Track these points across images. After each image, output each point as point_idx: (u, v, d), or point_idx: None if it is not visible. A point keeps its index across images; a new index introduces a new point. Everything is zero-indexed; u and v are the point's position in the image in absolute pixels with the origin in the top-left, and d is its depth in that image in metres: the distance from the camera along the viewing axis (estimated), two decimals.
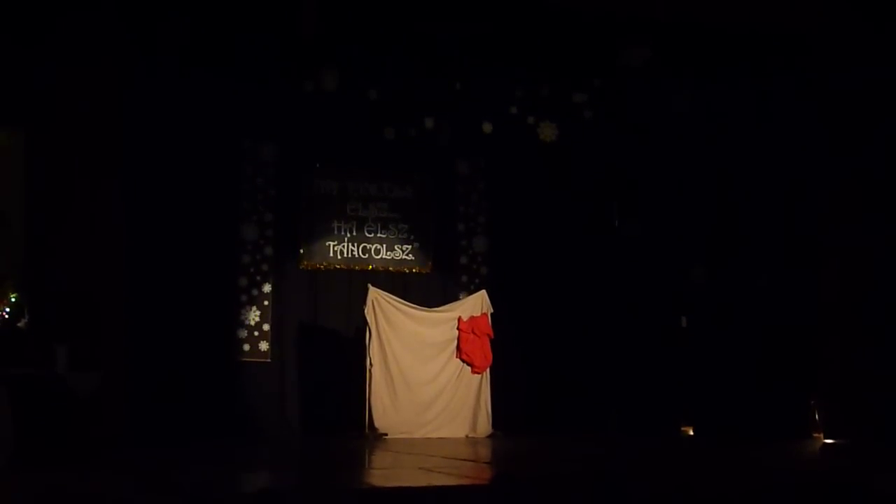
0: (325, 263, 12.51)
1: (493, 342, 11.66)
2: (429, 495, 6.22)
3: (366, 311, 11.24)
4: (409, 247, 12.82)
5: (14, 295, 9.01)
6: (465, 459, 8.63)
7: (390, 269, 12.72)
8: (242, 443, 10.57)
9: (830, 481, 6.71)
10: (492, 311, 11.75)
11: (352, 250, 12.63)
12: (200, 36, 10.36)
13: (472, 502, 6.13)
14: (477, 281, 12.88)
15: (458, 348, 11.54)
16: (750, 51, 10.80)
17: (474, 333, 11.55)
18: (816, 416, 10.56)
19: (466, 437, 11.39)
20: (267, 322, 12.12)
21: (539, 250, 12.95)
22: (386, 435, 10.99)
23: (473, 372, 11.59)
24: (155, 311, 10.99)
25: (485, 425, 11.55)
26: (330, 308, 12.45)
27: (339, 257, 12.57)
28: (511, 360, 12.16)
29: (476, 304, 11.77)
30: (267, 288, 12.19)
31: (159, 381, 10.91)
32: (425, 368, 11.46)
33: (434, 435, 11.22)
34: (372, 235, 12.71)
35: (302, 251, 12.45)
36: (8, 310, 8.95)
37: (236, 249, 12.09)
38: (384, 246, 12.74)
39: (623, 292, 12.74)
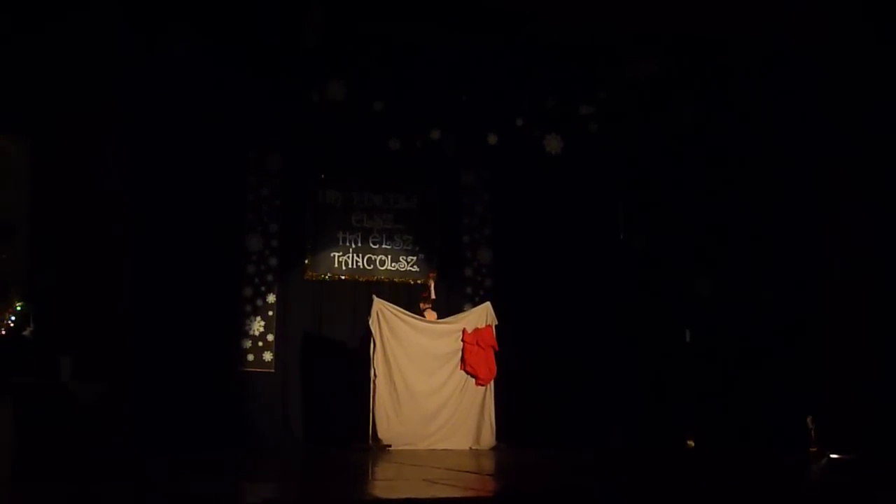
0: (329, 274, 12.55)
1: (497, 354, 11.63)
2: None
3: (370, 322, 11.20)
4: (414, 258, 12.88)
5: (20, 304, 9.00)
6: (468, 471, 8.60)
7: (395, 280, 12.77)
8: (245, 453, 10.54)
9: (834, 497, 6.69)
10: (496, 322, 11.72)
11: (356, 261, 12.67)
12: (205, 45, 10.39)
13: None
14: (481, 293, 12.91)
15: (463, 360, 11.51)
16: (756, 62, 10.81)
17: (479, 345, 11.53)
18: (812, 432, 10.53)
19: (470, 448, 11.35)
20: (271, 332, 12.15)
21: (544, 262, 12.95)
22: (389, 446, 10.96)
23: (477, 384, 11.56)
24: (159, 321, 11.01)
25: (489, 437, 11.52)
26: (334, 319, 12.48)
27: (343, 268, 12.60)
28: (515, 371, 12.10)
29: (481, 316, 11.74)
30: (271, 298, 12.22)
31: (163, 390, 10.91)
32: (429, 380, 11.43)
33: (438, 447, 11.19)
34: (377, 246, 12.76)
35: (307, 262, 12.49)
36: (13, 318, 8.94)
37: (241, 260, 12.13)
38: (389, 257, 12.78)
39: (628, 305, 12.74)
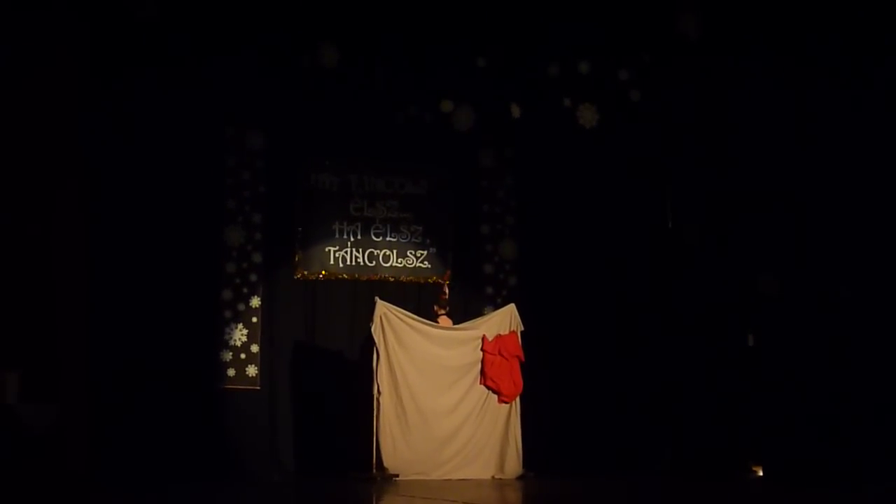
0: (324, 272, 12.57)
1: (523, 366, 11.58)
2: None
3: (373, 328, 11.15)
4: (424, 252, 12.91)
5: None
6: None
7: (401, 278, 12.80)
8: (226, 487, 10.49)
9: None
10: (522, 328, 11.69)
11: (356, 257, 12.68)
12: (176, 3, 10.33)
13: None
14: (504, 293, 12.93)
15: (483, 373, 11.47)
16: (829, 16, 10.61)
17: (501, 355, 11.49)
18: None
19: (493, 478, 11.31)
20: (255, 343, 12.15)
21: (577, 257, 12.96)
22: (397, 476, 10.93)
23: (500, 401, 11.52)
24: (122, 330, 11.02)
25: (514, 464, 11.47)
26: (330, 326, 12.49)
27: (340, 265, 12.63)
28: (545, 387, 12.10)
29: (503, 321, 11.70)
30: (255, 302, 12.22)
31: (127, 413, 10.90)
32: (443, 397, 11.38)
33: (454, 476, 11.15)
34: (380, 239, 12.80)
35: (297, 258, 12.50)
36: None
37: (219, 257, 12.12)
38: (394, 251, 12.82)
39: (678, 306, 12.65)
